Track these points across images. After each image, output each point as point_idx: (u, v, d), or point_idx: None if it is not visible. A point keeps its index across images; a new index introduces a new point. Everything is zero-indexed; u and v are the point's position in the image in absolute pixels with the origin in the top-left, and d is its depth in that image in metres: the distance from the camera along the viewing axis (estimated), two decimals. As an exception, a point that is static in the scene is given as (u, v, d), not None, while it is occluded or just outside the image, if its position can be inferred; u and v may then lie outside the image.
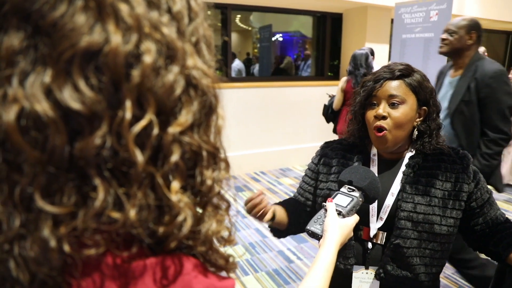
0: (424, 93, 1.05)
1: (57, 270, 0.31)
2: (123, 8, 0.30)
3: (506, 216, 1.11)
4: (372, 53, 4.52)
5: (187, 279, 0.35)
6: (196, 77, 0.35)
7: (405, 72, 1.05)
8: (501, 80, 1.97)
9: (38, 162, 0.29)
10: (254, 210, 1.01)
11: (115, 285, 0.33)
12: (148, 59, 0.31)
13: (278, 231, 1.17)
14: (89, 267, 0.33)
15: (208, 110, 0.38)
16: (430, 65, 4.20)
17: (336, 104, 3.46)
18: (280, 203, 1.18)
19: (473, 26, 2.10)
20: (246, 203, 1.02)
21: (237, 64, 5.73)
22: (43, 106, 0.28)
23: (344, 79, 3.41)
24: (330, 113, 3.53)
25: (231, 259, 0.42)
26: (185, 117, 0.34)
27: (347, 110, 3.53)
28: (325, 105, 3.63)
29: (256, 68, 6.28)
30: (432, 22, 4.21)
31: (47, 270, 0.31)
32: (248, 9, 5.15)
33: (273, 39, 6.30)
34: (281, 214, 1.11)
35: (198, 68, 0.36)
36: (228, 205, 0.42)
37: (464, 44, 2.10)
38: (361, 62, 3.31)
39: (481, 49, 5.31)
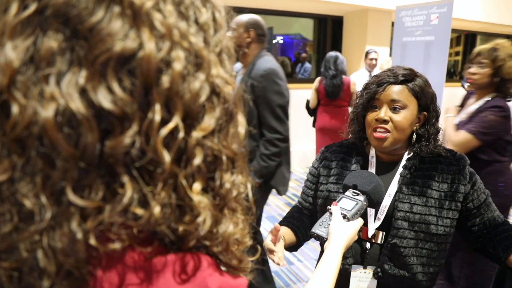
0: (425, 99, 1.07)
1: (82, 261, 0.33)
2: (158, 17, 0.32)
3: (504, 218, 1.11)
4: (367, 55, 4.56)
5: (202, 276, 0.37)
6: (219, 85, 0.37)
7: (408, 77, 1.06)
8: (270, 79, 1.89)
9: (71, 158, 0.30)
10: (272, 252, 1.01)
11: (137, 277, 0.34)
12: (178, 66, 0.33)
13: (291, 247, 1.19)
14: (112, 260, 0.34)
15: (229, 117, 0.39)
16: (431, 68, 4.21)
17: (311, 103, 3.65)
18: (284, 223, 1.18)
19: (251, 24, 2.06)
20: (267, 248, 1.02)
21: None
22: (77, 105, 0.30)
23: (318, 79, 3.58)
24: (310, 109, 3.78)
25: (244, 260, 0.43)
26: (208, 122, 0.36)
27: (322, 108, 3.51)
28: (307, 100, 3.81)
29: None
30: (433, 26, 4.23)
31: (74, 262, 0.32)
32: (249, 12, 5.17)
33: (274, 41, 6.32)
34: (289, 235, 1.13)
35: (221, 77, 0.38)
36: (243, 208, 0.43)
37: (243, 42, 2.03)
38: (330, 65, 3.45)
39: (482, 52, 5.33)
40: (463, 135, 1.78)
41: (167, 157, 0.33)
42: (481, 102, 1.88)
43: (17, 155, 0.31)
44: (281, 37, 6.85)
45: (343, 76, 3.44)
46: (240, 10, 5.35)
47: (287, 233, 1.12)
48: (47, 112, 0.29)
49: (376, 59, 4.38)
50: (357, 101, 1.15)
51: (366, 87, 1.11)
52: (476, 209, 1.07)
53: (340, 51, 5.62)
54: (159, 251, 0.36)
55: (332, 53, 3.50)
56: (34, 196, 0.31)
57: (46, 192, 0.31)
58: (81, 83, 0.30)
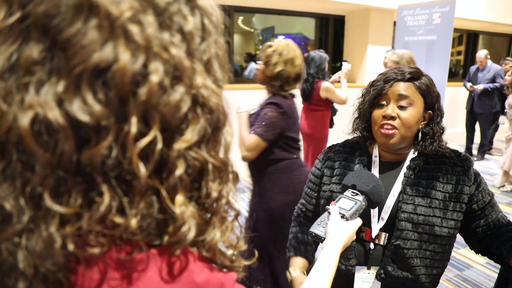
0: (431, 97, 1.07)
1: (60, 266, 0.33)
2: (133, 29, 0.32)
3: (508, 219, 1.11)
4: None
5: (189, 270, 0.37)
6: (204, 96, 0.37)
7: (415, 75, 1.06)
8: None
9: (48, 165, 0.31)
10: None
11: (118, 275, 0.34)
12: (154, 78, 0.32)
13: None
14: (93, 258, 0.34)
15: (216, 127, 0.39)
16: (433, 67, 4.20)
17: None
18: (297, 253, 1.20)
19: None
20: None
21: (254, 65, 5.72)
22: (54, 114, 0.30)
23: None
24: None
25: (237, 260, 0.43)
26: (191, 134, 0.36)
27: (304, 110, 3.32)
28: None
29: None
30: (435, 25, 4.21)
31: (50, 265, 0.33)
32: (251, 11, 5.16)
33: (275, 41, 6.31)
34: (304, 265, 1.18)
35: (206, 87, 0.37)
36: (237, 214, 0.43)
37: None
38: (305, 68, 3.31)
39: (484, 52, 5.31)
40: (253, 139, 1.71)
41: (142, 169, 0.33)
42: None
43: None
44: (283, 37, 6.86)
45: (317, 79, 3.19)
46: (243, 10, 5.33)
47: (303, 264, 1.17)
48: (23, 120, 0.30)
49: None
50: (362, 98, 1.14)
51: (373, 84, 1.10)
52: (480, 210, 1.06)
53: (341, 50, 5.62)
54: (144, 244, 0.35)
55: (311, 53, 3.28)
56: (14, 199, 0.31)
57: (25, 195, 0.31)
58: (59, 93, 0.30)
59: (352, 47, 5.48)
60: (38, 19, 0.30)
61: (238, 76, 5.57)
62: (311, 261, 1.19)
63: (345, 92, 3.20)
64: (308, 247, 1.20)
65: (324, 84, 3.16)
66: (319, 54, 3.23)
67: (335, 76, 3.47)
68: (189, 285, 0.36)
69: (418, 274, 1.03)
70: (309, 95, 3.22)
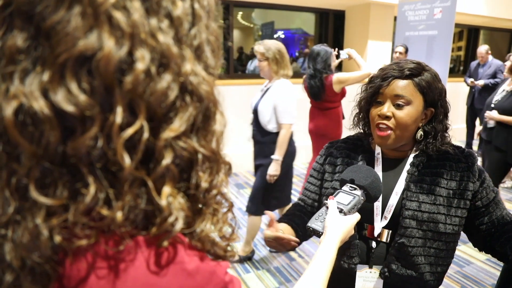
0: (432, 94, 1.03)
1: (46, 258, 0.33)
2: (118, 15, 0.31)
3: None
4: (406, 50, 4.24)
5: (179, 261, 0.36)
6: (193, 83, 0.36)
7: (415, 72, 1.02)
8: None
9: (33, 156, 0.31)
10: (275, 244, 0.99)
11: (106, 265, 0.34)
12: (140, 66, 0.31)
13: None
14: (81, 250, 0.34)
15: (207, 116, 0.38)
16: (434, 63, 4.18)
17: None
18: (285, 220, 1.12)
19: None
20: (266, 238, 0.99)
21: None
22: (40, 104, 0.29)
23: (304, 77, 3.17)
24: None
25: (229, 248, 0.43)
26: (179, 122, 0.35)
27: (311, 109, 3.17)
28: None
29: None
30: (436, 20, 4.18)
31: (37, 258, 0.32)
32: (250, 6, 5.12)
33: (275, 36, 6.28)
34: (288, 232, 1.07)
35: (196, 74, 0.36)
36: (230, 206, 0.43)
37: None
38: (309, 63, 3.06)
39: (485, 47, 5.28)
40: None
41: (127, 160, 0.32)
42: None
43: None
44: (282, 32, 6.81)
45: (326, 75, 2.95)
46: (242, 5, 5.29)
47: (286, 230, 1.07)
48: (7, 110, 0.29)
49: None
50: (361, 95, 1.12)
51: (371, 80, 1.08)
52: (484, 207, 1.05)
53: (341, 46, 5.58)
54: (132, 234, 0.35)
55: (315, 47, 3.03)
56: (0, 191, 0.31)
57: (10, 187, 0.31)
58: (44, 83, 0.30)
59: (352, 42, 5.44)
60: (21, 6, 0.29)
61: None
62: (298, 238, 1.06)
63: (363, 64, 2.98)
64: (301, 226, 1.10)
65: (334, 76, 2.96)
66: (324, 48, 3.02)
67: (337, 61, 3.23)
68: (179, 273, 0.36)
69: (423, 272, 1.02)
70: (319, 93, 3.02)
